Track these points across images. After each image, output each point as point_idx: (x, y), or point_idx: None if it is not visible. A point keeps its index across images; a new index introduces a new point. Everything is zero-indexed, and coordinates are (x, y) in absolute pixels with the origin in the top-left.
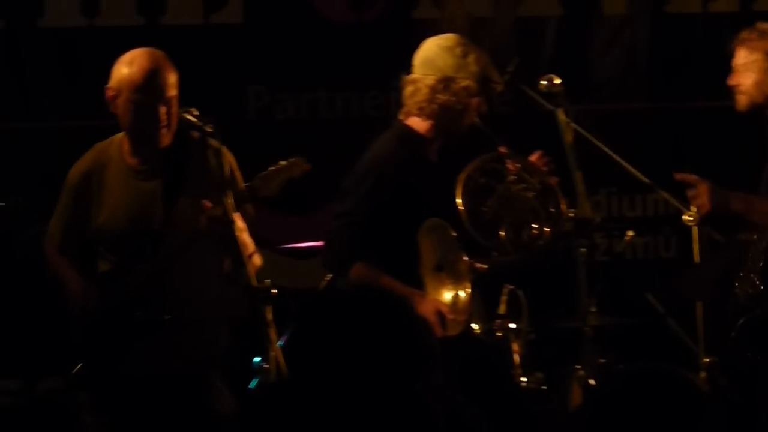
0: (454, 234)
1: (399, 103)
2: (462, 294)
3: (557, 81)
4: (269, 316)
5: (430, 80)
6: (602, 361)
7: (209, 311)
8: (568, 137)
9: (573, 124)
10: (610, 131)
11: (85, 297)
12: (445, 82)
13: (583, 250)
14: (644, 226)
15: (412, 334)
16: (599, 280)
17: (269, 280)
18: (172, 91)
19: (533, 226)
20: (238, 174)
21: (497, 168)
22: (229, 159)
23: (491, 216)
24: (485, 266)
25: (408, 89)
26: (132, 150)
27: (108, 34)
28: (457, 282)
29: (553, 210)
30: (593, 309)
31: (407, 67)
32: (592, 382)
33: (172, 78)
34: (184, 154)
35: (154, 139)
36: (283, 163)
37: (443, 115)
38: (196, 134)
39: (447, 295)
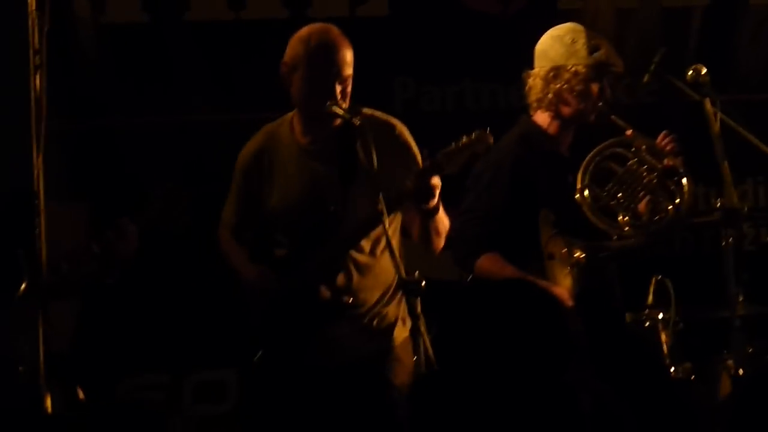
0: (552, 221)
1: None
2: (568, 282)
3: (704, 71)
4: (419, 308)
5: (543, 71)
6: (751, 350)
7: (383, 300)
8: (715, 127)
9: (720, 114)
10: (757, 121)
11: (265, 282)
12: (556, 71)
13: (731, 239)
14: None
15: (559, 326)
16: (747, 269)
17: (418, 272)
18: (348, 70)
19: (654, 205)
20: (416, 153)
21: (621, 153)
22: (406, 138)
23: (610, 200)
24: (582, 255)
25: (527, 84)
26: (304, 129)
27: (254, 27)
28: (563, 269)
29: (674, 189)
30: (741, 298)
31: None
32: (741, 372)
33: (348, 56)
34: (357, 136)
35: (327, 117)
36: (466, 138)
37: (561, 104)
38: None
39: (565, 282)
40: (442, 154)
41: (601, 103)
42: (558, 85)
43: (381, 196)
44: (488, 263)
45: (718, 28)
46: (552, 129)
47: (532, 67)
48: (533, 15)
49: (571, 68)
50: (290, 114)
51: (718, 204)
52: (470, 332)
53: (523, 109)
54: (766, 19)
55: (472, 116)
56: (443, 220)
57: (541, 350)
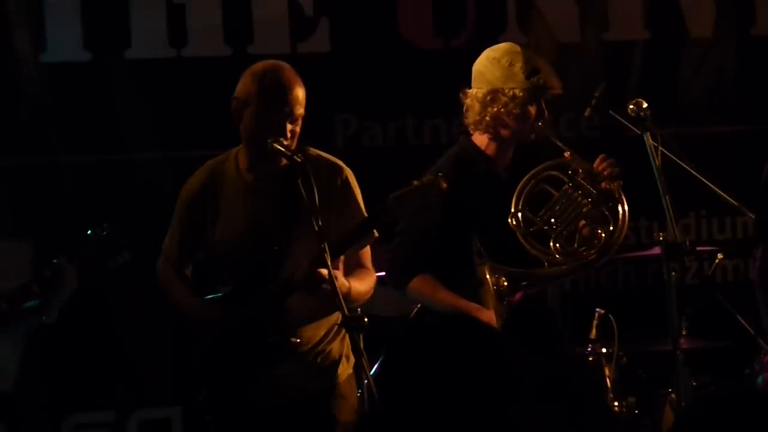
0: (478, 248)
1: None
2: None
3: (645, 105)
4: (361, 344)
5: (480, 94)
6: (694, 384)
7: (327, 337)
8: (657, 161)
9: (661, 148)
10: (699, 154)
11: (211, 314)
12: (493, 94)
13: (674, 273)
14: (734, 248)
15: (501, 360)
16: (689, 303)
17: (360, 309)
18: (300, 110)
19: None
20: (359, 200)
21: (557, 176)
22: (351, 183)
23: (543, 225)
24: (505, 282)
25: (465, 105)
26: (249, 165)
27: (195, 65)
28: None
29: (609, 215)
30: (684, 332)
31: None
32: (684, 405)
33: (301, 95)
34: (298, 174)
35: (273, 154)
36: (417, 182)
37: (498, 127)
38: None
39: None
40: (392, 197)
41: (539, 123)
42: (495, 109)
43: (324, 238)
44: (421, 285)
45: (660, 62)
46: (490, 150)
47: (470, 86)
48: (474, 50)
49: (508, 92)
50: (235, 150)
51: (661, 238)
52: (413, 369)
53: None
54: (707, 51)
55: (414, 152)
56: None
57: (484, 384)
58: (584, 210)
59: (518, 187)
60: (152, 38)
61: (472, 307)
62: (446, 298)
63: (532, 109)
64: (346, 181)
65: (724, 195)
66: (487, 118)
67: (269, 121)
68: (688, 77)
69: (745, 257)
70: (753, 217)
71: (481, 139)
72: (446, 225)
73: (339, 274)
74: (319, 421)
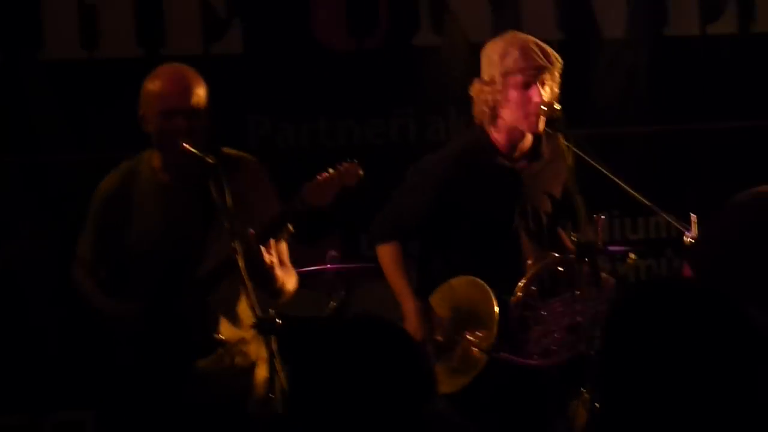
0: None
1: (401, 131)
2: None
3: (557, 106)
4: (274, 346)
5: (474, 87)
6: None
7: (246, 338)
8: (569, 161)
9: (573, 149)
10: (611, 154)
11: (127, 316)
12: (479, 84)
13: (587, 273)
14: (646, 248)
15: (411, 360)
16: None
17: (273, 310)
18: (197, 104)
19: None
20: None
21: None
22: (263, 173)
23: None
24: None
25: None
26: (163, 166)
27: (107, 66)
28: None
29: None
30: (598, 333)
31: (408, 94)
32: (597, 405)
33: (197, 90)
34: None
35: (180, 153)
36: (333, 171)
37: (495, 117)
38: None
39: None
40: (307, 186)
41: (533, 109)
42: (482, 98)
43: (237, 237)
44: (385, 253)
45: (572, 63)
46: (501, 140)
47: (399, 102)
48: (388, 52)
49: (488, 79)
50: (149, 150)
51: (573, 238)
52: (324, 371)
53: (379, 146)
54: (619, 52)
55: (327, 153)
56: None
57: (394, 387)
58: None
59: (526, 279)
60: (64, 39)
61: (405, 295)
62: (394, 276)
63: (515, 94)
64: (263, 177)
65: (637, 195)
66: (482, 108)
67: (167, 121)
68: (601, 78)
69: (658, 257)
70: (665, 217)
71: (492, 130)
72: (433, 209)
73: (276, 261)
74: (235, 421)
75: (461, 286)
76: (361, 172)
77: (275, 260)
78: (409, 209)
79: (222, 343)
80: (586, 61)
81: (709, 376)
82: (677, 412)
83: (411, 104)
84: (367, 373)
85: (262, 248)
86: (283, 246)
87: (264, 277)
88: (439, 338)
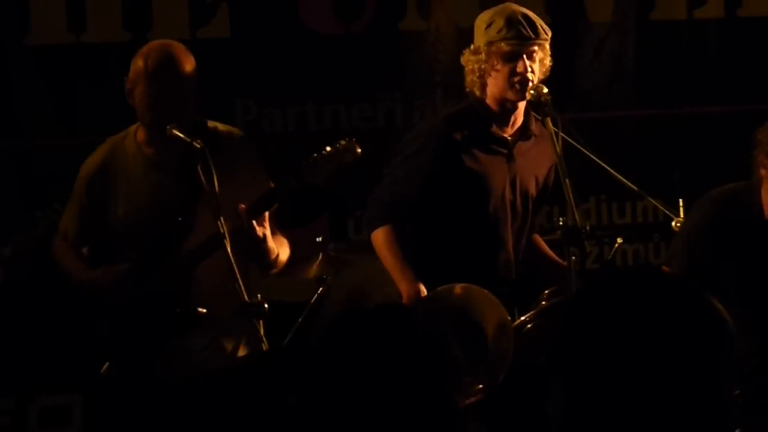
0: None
1: (387, 115)
2: None
3: (544, 90)
4: (261, 330)
5: (464, 56)
6: None
7: (232, 314)
8: (557, 146)
9: (561, 133)
10: (598, 139)
11: (112, 291)
12: (468, 54)
13: (574, 258)
14: (634, 233)
15: (439, 353)
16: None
17: (260, 295)
18: (186, 81)
19: None
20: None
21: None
22: (251, 147)
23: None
24: None
25: None
26: (148, 140)
27: (95, 50)
28: None
29: None
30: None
31: (395, 78)
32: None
33: (186, 68)
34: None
35: (167, 137)
36: (330, 148)
37: (481, 86)
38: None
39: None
40: (305, 162)
41: (516, 80)
42: (468, 67)
43: (222, 218)
44: (380, 238)
45: (559, 46)
46: (494, 107)
47: (386, 86)
48: (374, 36)
49: (473, 49)
50: (134, 126)
51: (561, 222)
52: (349, 363)
53: (365, 130)
54: (606, 36)
55: (314, 137)
56: (279, 250)
57: (420, 377)
58: None
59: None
60: (51, 24)
61: (405, 278)
62: (391, 259)
63: (500, 64)
64: (250, 150)
65: (624, 180)
66: (472, 78)
67: (155, 98)
68: (588, 62)
69: (645, 241)
70: (653, 201)
71: (485, 97)
72: (434, 173)
73: (269, 233)
74: (224, 398)
75: (485, 298)
76: (359, 150)
77: (268, 233)
78: (406, 179)
79: (205, 317)
80: (573, 45)
81: (672, 364)
82: (637, 400)
83: (397, 88)
84: (395, 366)
85: (254, 222)
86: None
87: (257, 251)
88: None
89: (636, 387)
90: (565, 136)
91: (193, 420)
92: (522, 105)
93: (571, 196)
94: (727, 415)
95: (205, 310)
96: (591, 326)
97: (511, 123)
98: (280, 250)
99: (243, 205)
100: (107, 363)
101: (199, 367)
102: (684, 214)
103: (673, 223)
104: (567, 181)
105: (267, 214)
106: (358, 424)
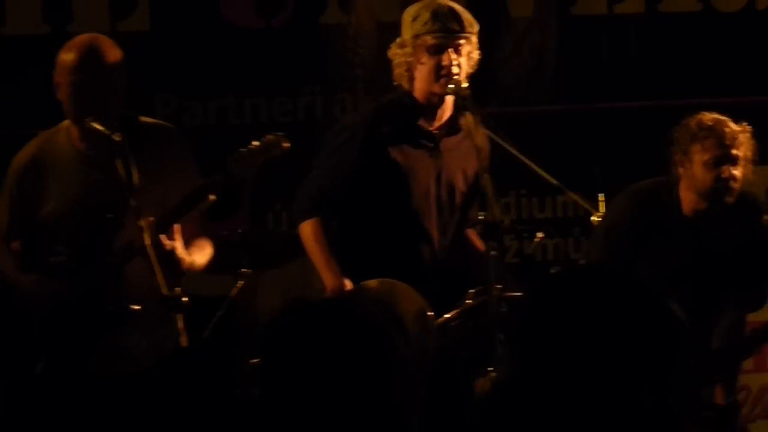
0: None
1: (308, 109)
2: None
3: (464, 84)
4: (180, 324)
5: (391, 48)
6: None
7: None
8: (478, 140)
9: (482, 127)
10: (519, 134)
11: (41, 289)
12: (396, 47)
13: (494, 252)
14: (554, 227)
15: (384, 347)
16: (511, 282)
17: (180, 288)
18: (111, 75)
19: None
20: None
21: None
22: (185, 141)
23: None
24: None
25: None
26: (80, 135)
27: (14, 43)
28: None
29: None
30: (504, 309)
31: (315, 72)
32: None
33: (111, 61)
34: (136, 143)
35: (87, 129)
36: (257, 143)
37: (409, 79)
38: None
39: None
40: (232, 158)
41: (442, 77)
42: (398, 60)
43: (144, 214)
44: (307, 230)
45: (480, 41)
46: (421, 101)
47: (293, 83)
48: (295, 30)
49: (402, 42)
50: (66, 121)
51: (480, 217)
52: (295, 355)
53: (286, 124)
54: (527, 30)
55: (234, 131)
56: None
57: (361, 370)
58: None
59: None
60: None
61: (330, 271)
62: (317, 252)
63: (425, 57)
64: (182, 146)
65: (545, 174)
66: (400, 71)
67: (78, 92)
68: (508, 57)
69: (565, 236)
70: (572, 196)
71: (414, 91)
72: (360, 165)
73: (179, 245)
74: (157, 393)
75: (406, 293)
76: (286, 144)
77: (178, 245)
78: (333, 171)
79: (137, 314)
80: (494, 39)
81: (624, 362)
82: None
83: (318, 82)
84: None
85: (162, 237)
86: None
87: (166, 262)
88: None
89: (588, 385)
90: (485, 130)
91: (126, 417)
92: (450, 99)
93: (490, 190)
94: (679, 416)
95: (138, 307)
96: (546, 324)
97: (438, 117)
98: (198, 255)
99: (151, 219)
100: (40, 361)
101: (132, 364)
102: (603, 209)
103: (593, 218)
104: (486, 175)
105: (176, 226)
106: (305, 417)
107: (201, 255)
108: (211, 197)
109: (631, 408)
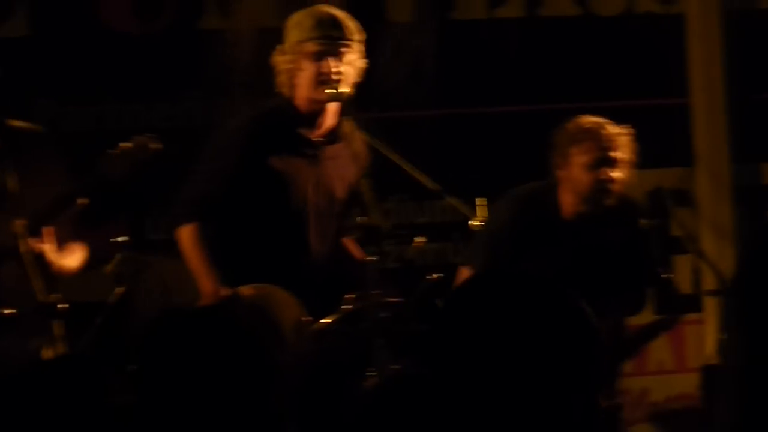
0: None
1: (187, 114)
2: None
3: (345, 90)
4: (58, 331)
5: (274, 55)
6: (396, 367)
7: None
8: (357, 145)
9: (361, 132)
10: (398, 139)
11: None
12: (278, 53)
13: (373, 257)
14: (434, 232)
15: (261, 351)
16: (391, 286)
17: (60, 294)
18: None
19: None
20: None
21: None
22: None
23: None
24: None
25: None
26: None
27: None
28: None
29: None
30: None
31: (194, 78)
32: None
33: None
34: (8, 147)
35: None
36: (125, 144)
37: (290, 86)
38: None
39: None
40: (101, 160)
41: (322, 84)
42: (280, 67)
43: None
44: (185, 236)
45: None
46: (302, 111)
47: (185, 85)
48: (173, 35)
49: (282, 49)
50: None
51: (359, 221)
52: (169, 361)
53: (165, 130)
54: (407, 36)
55: (113, 136)
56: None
57: (236, 377)
58: None
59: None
60: None
61: (206, 277)
62: (194, 258)
63: (307, 63)
64: (53, 148)
65: (423, 179)
66: (282, 78)
67: None
68: (388, 61)
69: (445, 241)
70: (451, 201)
71: (294, 100)
72: (237, 170)
73: (48, 248)
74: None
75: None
76: (154, 146)
77: (47, 248)
78: (212, 177)
79: (10, 318)
80: (373, 44)
81: (542, 365)
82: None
83: (197, 88)
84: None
85: (31, 240)
86: (67, 225)
87: (38, 266)
88: None
89: (503, 386)
90: (364, 136)
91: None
92: (332, 107)
93: (370, 195)
94: (592, 417)
95: (13, 311)
96: (462, 327)
97: (319, 124)
98: (69, 259)
99: (22, 221)
100: None
101: (3, 368)
102: (481, 214)
103: (470, 222)
104: (366, 180)
105: (46, 230)
106: (180, 424)
107: (72, 259)
108: (81, 201)
109: (566, 408)
